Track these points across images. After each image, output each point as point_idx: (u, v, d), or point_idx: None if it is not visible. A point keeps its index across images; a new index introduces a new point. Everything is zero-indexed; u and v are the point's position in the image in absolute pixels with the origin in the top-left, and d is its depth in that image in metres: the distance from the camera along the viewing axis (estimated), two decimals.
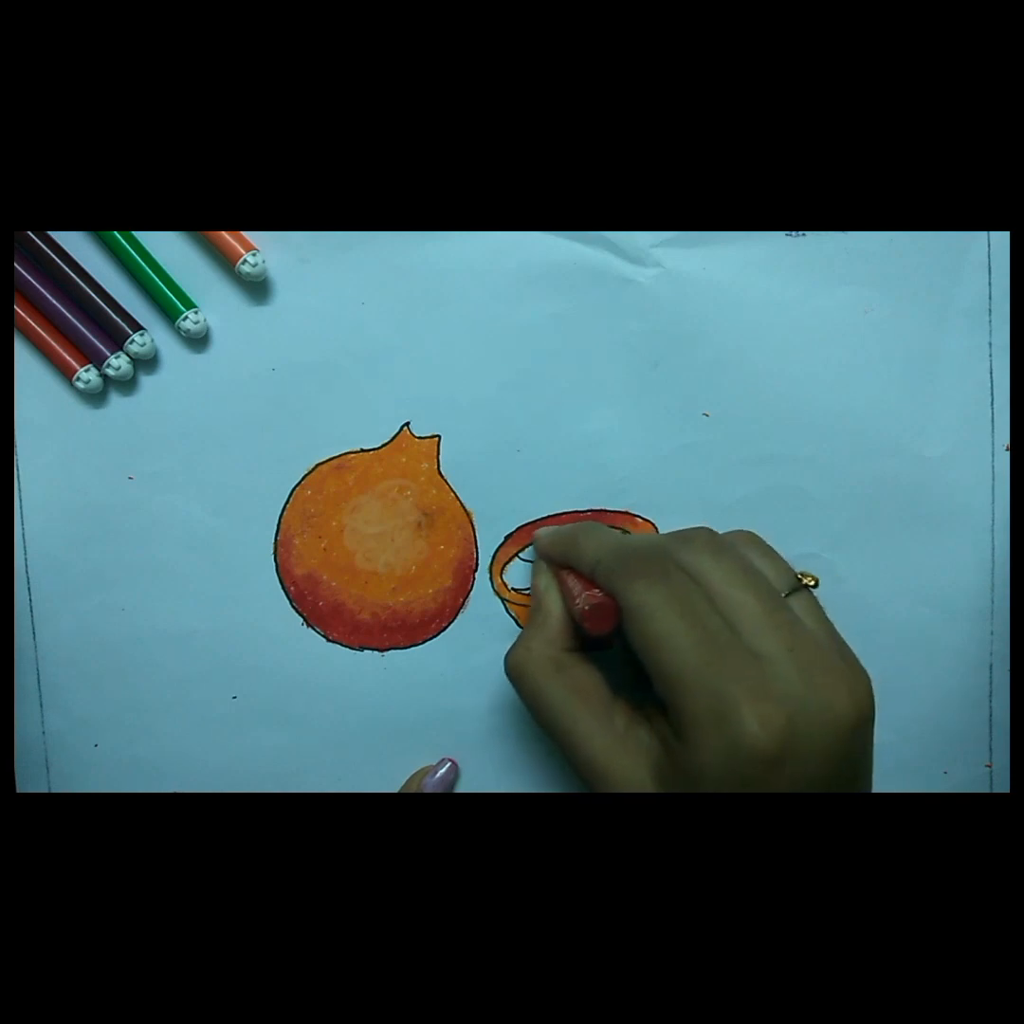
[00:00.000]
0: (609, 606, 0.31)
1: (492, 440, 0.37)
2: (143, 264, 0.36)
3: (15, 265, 0.36)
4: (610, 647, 0.34)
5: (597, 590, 0.32)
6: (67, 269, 0.36)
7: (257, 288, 0.37)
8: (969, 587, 0.38)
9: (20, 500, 0.38)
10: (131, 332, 0.36)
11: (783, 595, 0.30)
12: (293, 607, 0.38)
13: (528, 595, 0.38)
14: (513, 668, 0.33)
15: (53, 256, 0.36)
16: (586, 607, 0.31)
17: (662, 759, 0.29)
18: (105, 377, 0.37)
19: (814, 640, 0.29)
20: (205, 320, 0.36)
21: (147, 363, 0.37)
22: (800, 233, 0.36)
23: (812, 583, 0.31)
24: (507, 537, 0.38)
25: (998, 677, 0.38)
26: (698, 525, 0.32)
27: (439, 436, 0.38)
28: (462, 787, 0.39)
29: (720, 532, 0.32)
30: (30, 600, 0.38)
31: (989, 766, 0.38)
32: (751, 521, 0.33)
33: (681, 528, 0.33)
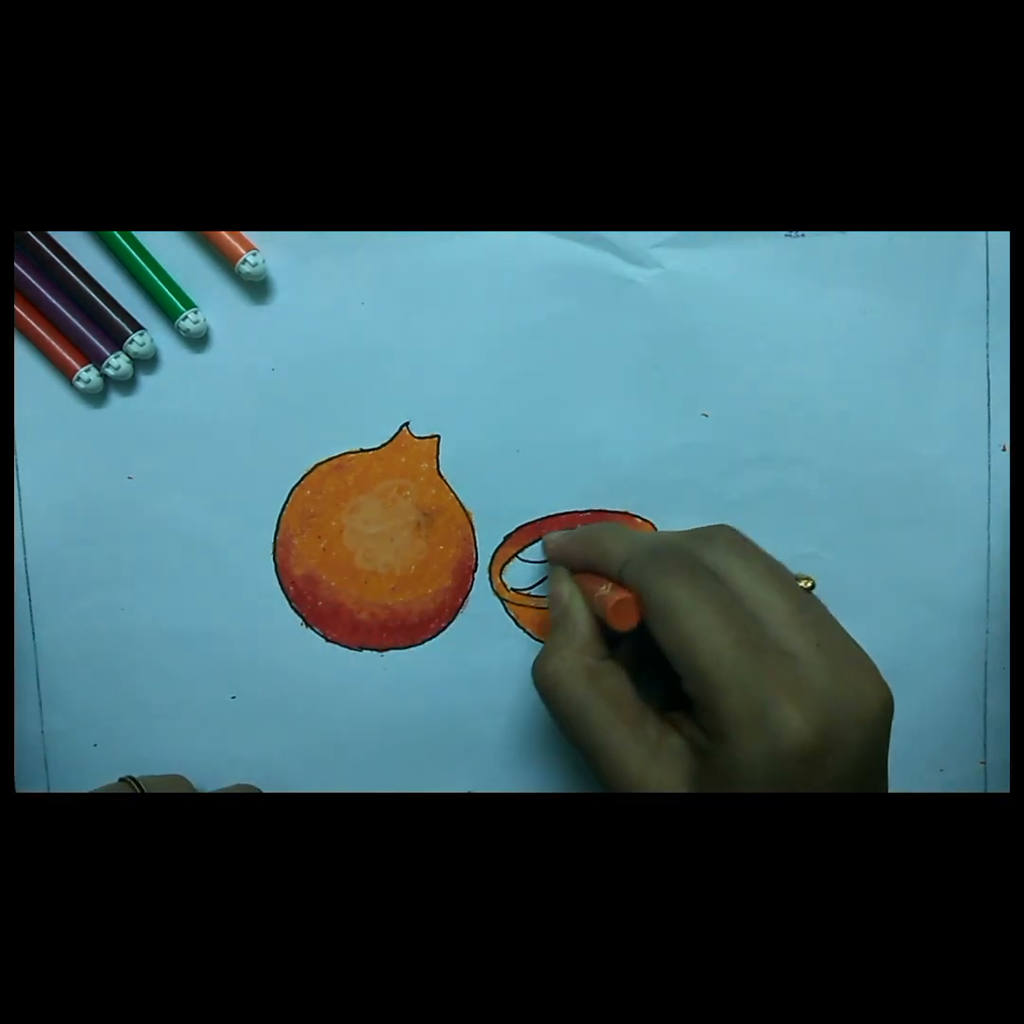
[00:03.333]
0: (633, 601, 0.30)
1: (492, 440, 0.37)
2: (143, 264, 0.36)
3: (15, 265, 0.36)
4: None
5: (608, 587, 0.31)
6: (67, 269, 0.36)
7: (257, 288, 0.37)
8: (965, 586, 0.38)
9: (20, 500, 0.38)
10: (131, 332, 0.36)
11: None
12: (292, 607, 0.38)
13: (528, 595, 0.38)
14: (547, 679, 0.32)
15: (53, 256, 0.36)
16: (612, 602, 0.31)
17: (695, 765, 0.29)
18: (105, 377, 0.37)
19: (839, 636, 0.29)
20: (205, 320, 0.36)
21: (147, 363, 0.37)
22: (799, 233, 0.36)
23: (809, 585, 0.32)
24: (507, 537, 0.38)
25: (993, 676, 0.38)
26: (718, 524, 0.32)
27: (439, 436, 0.38)
28: (462, 787, 0.39)
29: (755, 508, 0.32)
30: (30, 600, 0.38)
31: (984, 764, 0.39)
32: (749, 520, 0.33)
33: (697, 526, 0.33)
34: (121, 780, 0.34)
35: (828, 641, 0.29)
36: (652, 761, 0.29)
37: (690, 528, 0.33)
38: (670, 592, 0.29)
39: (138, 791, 0.34)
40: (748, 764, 0.27)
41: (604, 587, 0.32)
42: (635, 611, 0.30)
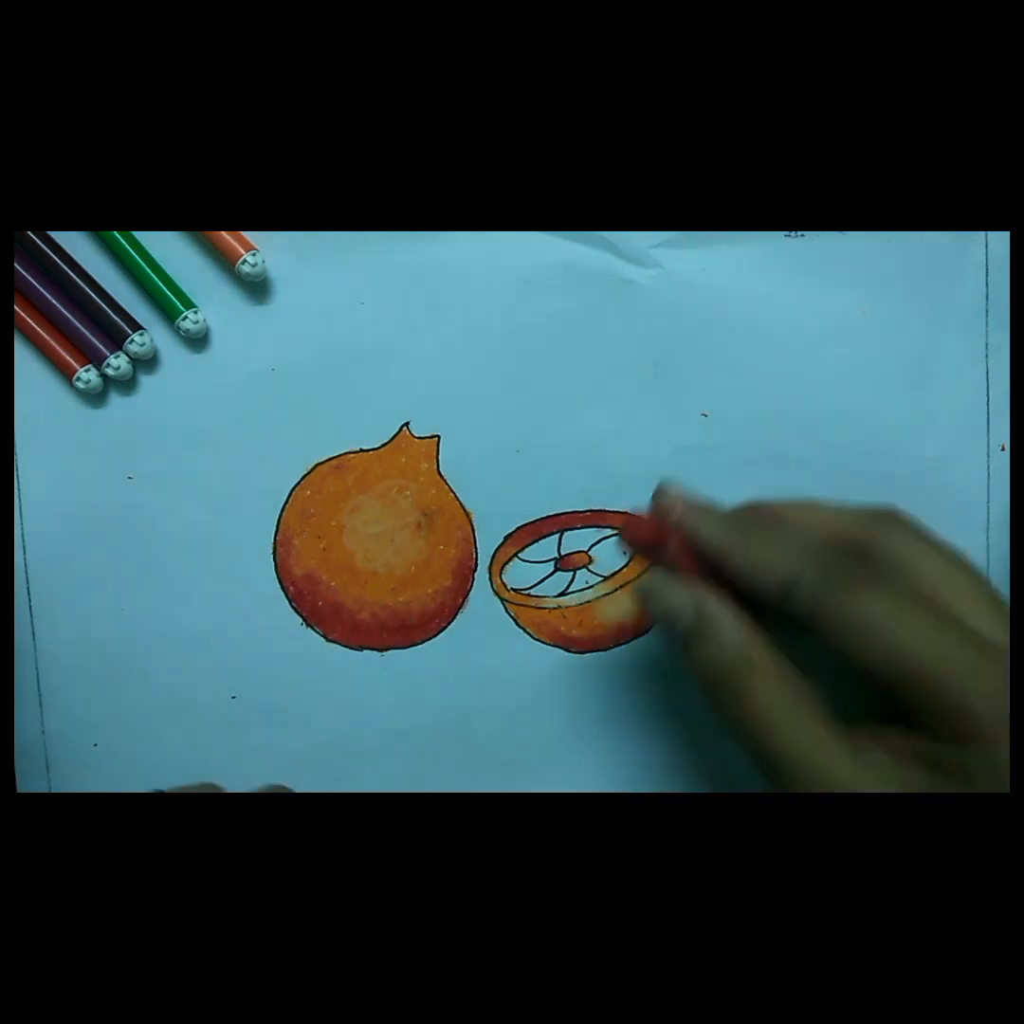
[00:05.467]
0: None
1: (492, 440, 0.37)
2: (143, 264, 0.36)
3: (15, 265, 0.36)
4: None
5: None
6: (67, 269, 0.36)
7: (257, 288, 0.37)
8: None
9: (20, 500, 0.38)
10: (131, 332, 0.36)
11: None
12: (292, 607, 0.38)
13: (528, 595, 0.38)
14: (714, 670, 0.28)
15: (53, 256, 0.36)
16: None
17: (907, 775, 0.27)
18: (105, 377, 0.37)
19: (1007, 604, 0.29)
20: (205, 320, 0.36)
21: (147, 363, 0.37)
22: (799, 233, 0.36)
23: None
24: (507, 537, 0.38)
25: None
26: (885, 506, 0.30)
27: (439, 436, 0.38)
28: (461, 787, 0.39)
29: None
30: (30, 600, 0.38)
31: None
32: None
33: (861, 504, 0.30)
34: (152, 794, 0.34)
35: (1005, 619, 0.28)
36: (861, 771, 0.27)
37: (852, 505, 0.31)
38: (865, 608, 0.27)
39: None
40: (1006, 761, 0.26)
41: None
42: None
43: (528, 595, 0.38)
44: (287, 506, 0.38)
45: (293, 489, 0.38)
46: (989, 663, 0.27)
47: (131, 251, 0.36)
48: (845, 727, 0.28)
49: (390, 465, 0.38)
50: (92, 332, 0.36)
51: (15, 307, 0.36)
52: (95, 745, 0.38)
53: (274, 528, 0.38)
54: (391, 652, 0.38)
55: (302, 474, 0.38)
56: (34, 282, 0.36)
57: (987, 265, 0.37)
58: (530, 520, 0.38)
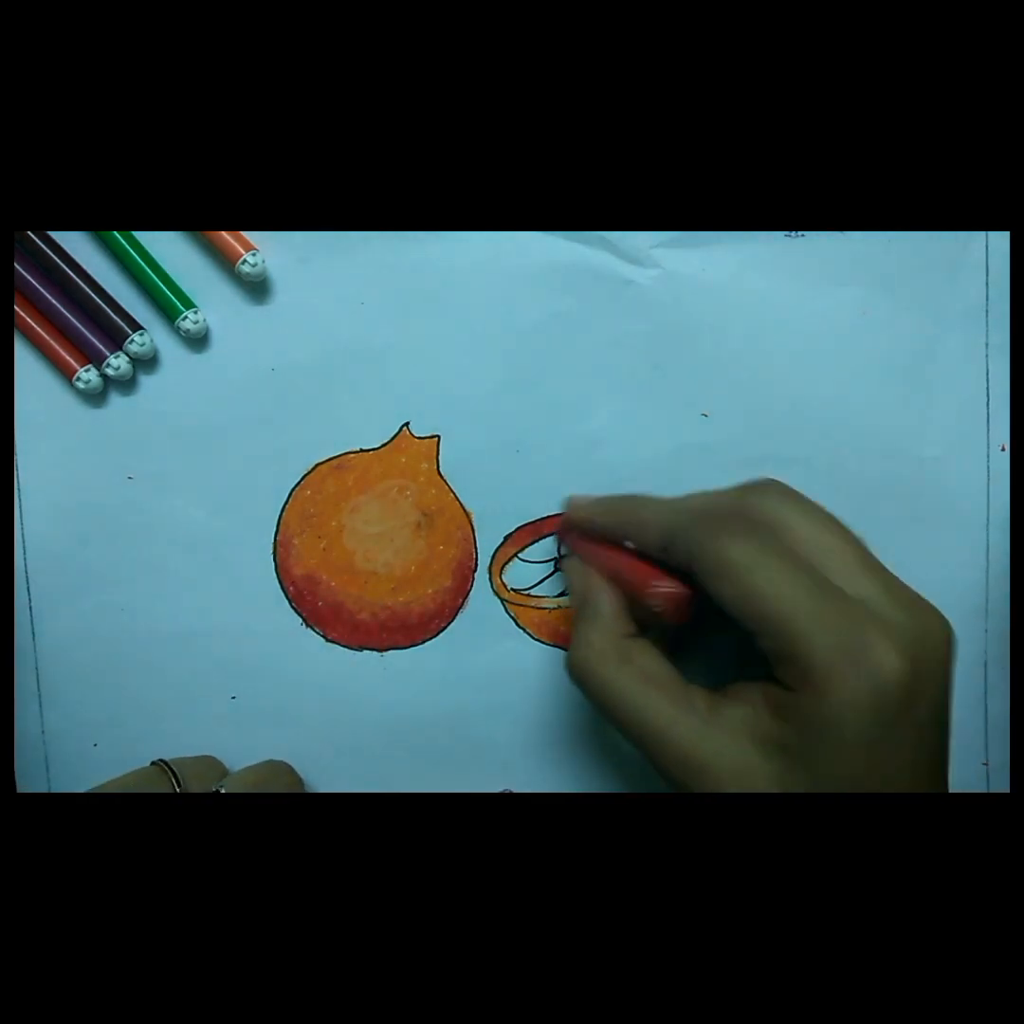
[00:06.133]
0: (683, 595, 0.30)
1: (492, 440, 0.37)
2: (143, 264, 0.36)
3: (15, 265, 0.36)
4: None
5: (662, 581, 0.30)
6: (67, 269, 0.36)
7: (257, 288, 0.37)
8: (965, 586, 0.38)
9: (20, 500, 0.38)
10: (131, 332, 0.36)
11: None
12: (292, 607, 0.38)
13: (527, 595, 0.38)
14: (577, 668, 0.31)
15: (53, 256, 0.36)
16: (663, 595, 0.30)
17: (765, 725, 0.28)
18: (105, 377, 0.37)
19: (898, 579, 0.29)
20: (205, 320, 0.36)
21: (147, 363, 0.37)
22: (799, 233, 0.36)
23: None
24: (507, 537, 0.38)
25: (994, 676, 0.38)
26: (765, 477, 0.32)
27: (439, 436, 0.38)
28: (461, 787, 0.39)
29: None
30: (30, 600, 0.38)
31: (986, 764, 0.39)
32: None
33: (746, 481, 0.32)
34: (153, 763, 0.34)
35: (893, 583, 0.28)
36: (706, 730, 0.28)
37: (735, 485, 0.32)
38: (728, 553, 0.28)
39: (170, 773, 0.33)
40: (848, 706, 0.26)
41: (656, 582, 0.30)
42: (686, 604, 0.30)
43: (528, 595, 0.38)
44: (287, 506, 0.38)
45: (293, 489, 0.38)
46: (838, 615, 0.27)
47: (131, 251, 0.36)
48: (709, 690, 0.30)
49: (390, 465, 0.38)
50: (92, 332, 0.36)
51: (15, 307, 0.36)
52: (95, 745, 0.38)
53: (274, 528, 0.38)
54: (391, 652, 0.38)
55: (302, 474, 0.38)
56: (34, 282, 0.36)
57: (987, 265, 0.37)
58: (530, 520, 0.38)
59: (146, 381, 0.37)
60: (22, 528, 0.38)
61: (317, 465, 0.38)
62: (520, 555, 0.38)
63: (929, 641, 0.28)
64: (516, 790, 0.39)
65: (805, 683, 0.27)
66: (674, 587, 0.30)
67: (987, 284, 0.37)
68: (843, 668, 0.26)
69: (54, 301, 0.36)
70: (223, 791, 0.33)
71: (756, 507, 0.30)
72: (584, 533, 0.34)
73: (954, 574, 0.38)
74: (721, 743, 0.28)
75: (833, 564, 0.28)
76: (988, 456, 0.37)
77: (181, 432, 0.37)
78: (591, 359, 0.37)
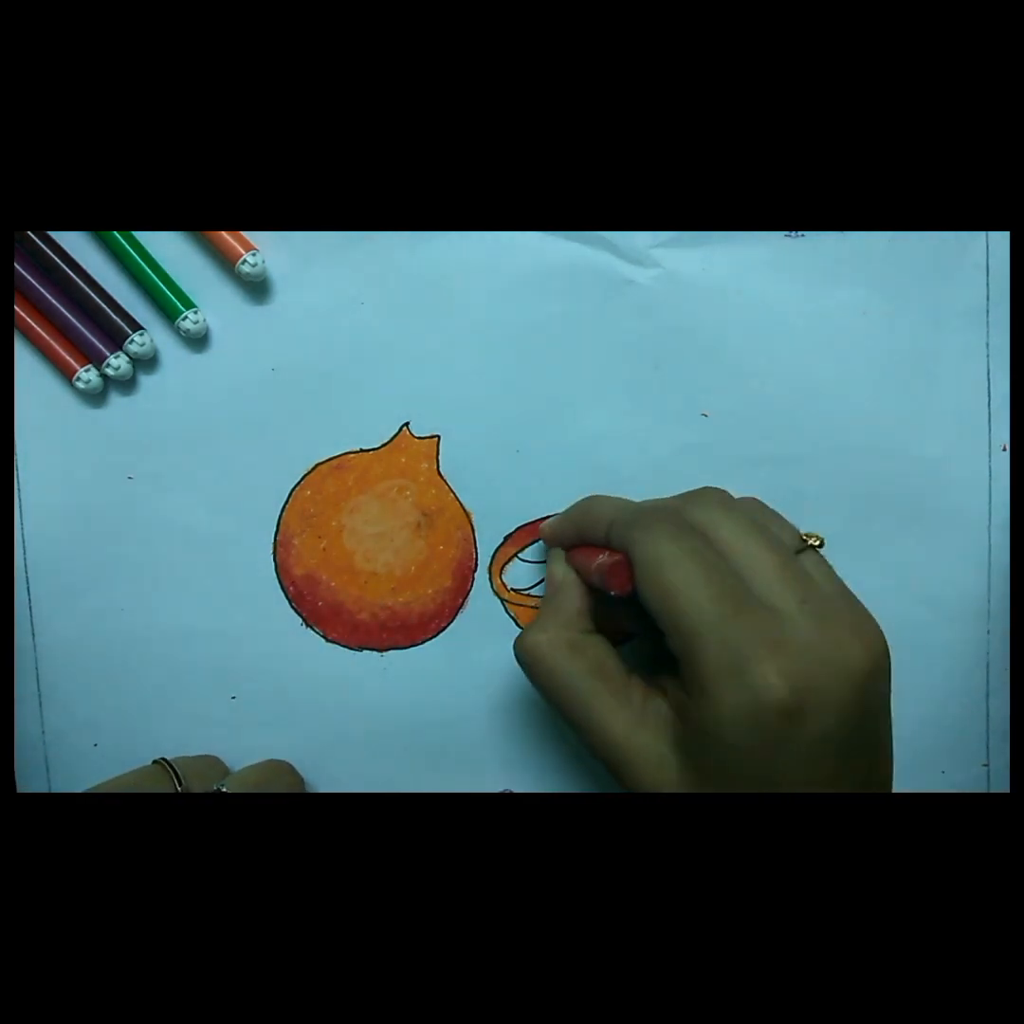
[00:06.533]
0: (624, 562, 0.30)
1: (492, 440, 0.37)
2: (143, 264, 0.36)
3: (15, 265, 0.36)
4: (628, 638, 0.34)
5: (603, 554, 0.32)
6: (67, 269, 0.36)
7: (257, 288, 0.37)
8: (966, 587, 0.38)
9: (20, 500, 0.38)
10: (131, 332, 0.36)
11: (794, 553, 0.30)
12: (292, 607, 0.38)
13: (527, 595, 0.38)
14: (527, 651, 0.32)
15: (53, 256, 0.36)
16: (605, 566, 0.31)
17: (678, 725, 0.29)
18: (105, 377, 0.37)
19: (825, 593, 0.29)
20: (205, 320, 0.36)
21: (147, 363, 0.37)
22: (799, 233, 0.36)
23: (817, 543, 0.31)
24: (506, 537, 0.38)
25: (995, 677, 0.38)
26: (707, 486, 0.32)
27: (439, 436, 0.38)
28: (461, 787, 0.39)
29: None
30: (30, 600, 0.38)
31: (986, 766, 0.39)
32: None
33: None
34: (155, 762, 0.34)
35: (814, 597, 0.28)
36: (637, 726, 0.29)
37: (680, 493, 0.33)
38: (653, 547, 0.29)
39: (172, 772, 0.34)
40: (727, 719, 0.27)
41: (601, 556, 0.32)
42: (627, 572, 0.30)
43: (528, 595, 0.38)
44: (287, 506, 0.38)
45: (293, 489, 0.38)
46: (737, 625, 0.27)
47: (131, 251, 0.36)
48: (646, 682, 0.31)
49: (390, 465, 0.38)
50: (92, 332, 0.36)
51: (15, 307, 0.36)
52: (95, 745, 0.38)
53: (274, 528, 0.38)
54: (391, 652, 0.38)
55: (302, 474, 0.38)
56: (34, 282, 0.36)
57: (987, 265, 0.37)
58: (530, 520, 0.38)
59: (146, 381, 0.37)
60: (22, 528, 0.38)
61: (317, 465, 0.38)
62: (520, 555, 0.38)
63: (833, 666, 0.27)
64: (516, 790, 0.39)
65: (694, 688, 0.28)
66: (612, 557, 0.31)
67: (987, 284, 0.37)
68: (724, 681, 0.27)
69: (54, 301, 0.36)
70: (224, 790, 0.33)
71: (689, 511, 0.30)
72: (555, 544, 0.35)
73: (955, 575, 0.38)
74: (647, 739, 0.29)
75: (755, 573, 0.28)
76: (989, 456, 0.37)
77: (181, 432, 0.37)
78: (591, 359, 0.37)
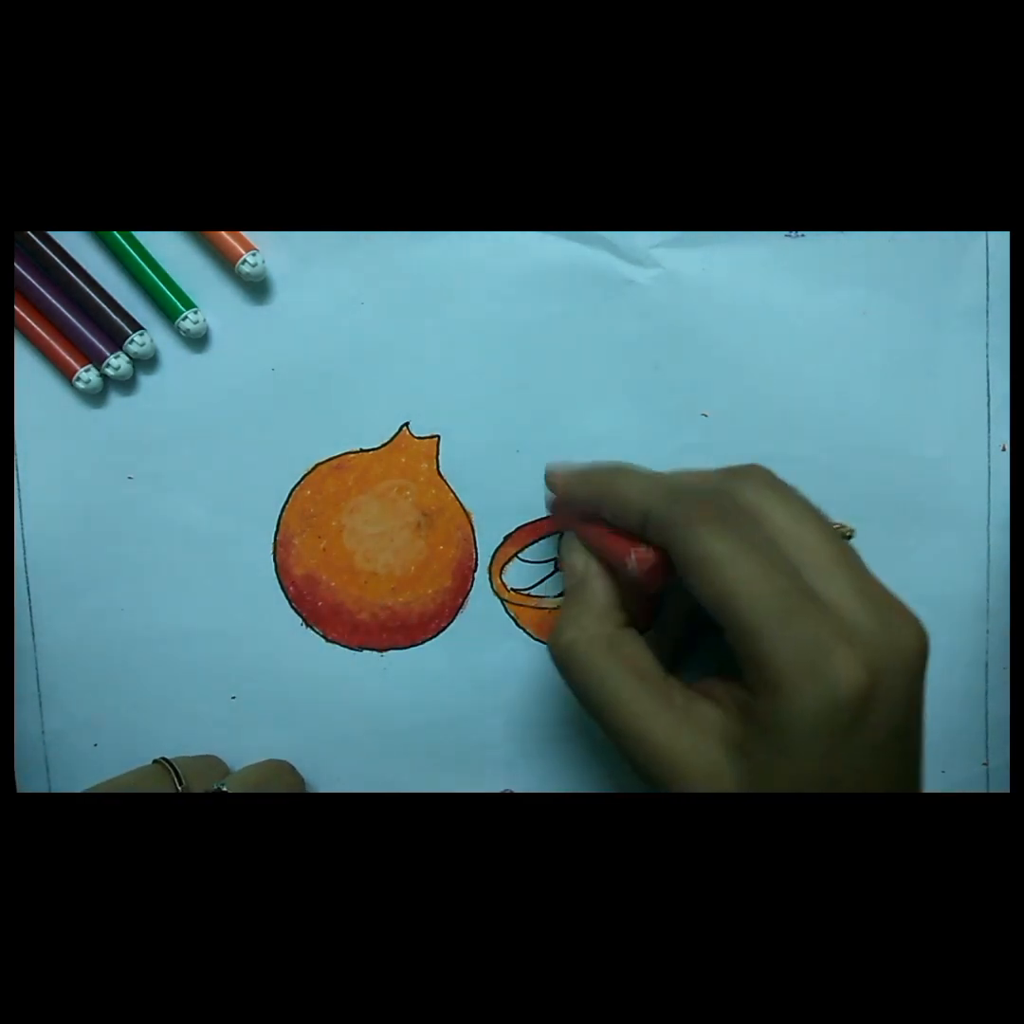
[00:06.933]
0: (662, 561, 0.29)
1: (492, 440, 0.37)
2: (143, 264, 0.36)
3: (15, 265, 0.36)
4: (649, 627, 0.33)
5: (641, 546, 0.30)
6: (67, 269, 0.36)
7: (257, 288, 0.37)
8: (966, 587, 0.38)
9: (20, 500, 0.38)
10: (131, 332, 0.36)
11: None
12: (292, 607, 0.38)
13: (528, 595, 0.38)
14: (565, 650, 0.30)
15: (53, 256, 0.36)
16: (645, 564, 0.29)
17: (732, 727, 0.28)
18: (105, 377, 0.37)
19: (876, 582, 0.28)
20: (205, 320, 0.36)
21: (147, 363, 0.37)
22: (799, 234, 0.36)
23: (849, 534, 0.31)
24: (507, 537, 0.38)
25: (995, 676, 0.38)
26: (751, 463, 0.30)
27: (439, 436, 0.38)
28: (461, 787, 0.39)
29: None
30: (30, 600, 0.38)
31: (986, 765, 0.39)
32: None
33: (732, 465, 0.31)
34: (155, 761, 0.34)
35: (868, 586, 0.28)
36: (681, 728, 0.28)
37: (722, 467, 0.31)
38: (703, 544, 0.27)
39: (172, 771, 0.34)
40: (805, 714, 0.26)
41: (634, 551, 0.30)
42: (666, 569, 0.29)
43: (528, 595, 0.38)
44: (287, 506, 0.38)
45: (293, 489, 0.38)
46: (804, 620, 0.26)
47: (131, 251, 0.36)
48: (686, 685, 0.30)
49: (390, 465, 0.38)
50: (92, 332, 0.36)
51: (15, 307, 0.36)
52: (95, 745, 0.38)
53: (274, 528, 0.38)
54: (391, 652, 0.38)
55: (302, 474, 0.38)
56: (34, 282, 0.36)
57: (987, 265, 0.37)
58: (530, 520, 0.38)
59: (146, 381, 0.37)
60: (22, 528, 0.38)
61: (317, 465, 0.38)
62: (520, 555, 0.38)
63: (897, 652, 0.27)
64: (516, 790, 0.39)
65: (764, 687, 0.26)
66: (649, 554, 0.29)
67: (987, 284, 0.37)
68: (801, 676, 0.26)
69: (54, 301, 0.36)
70: (225, 790, 0.33)
71: (737, 494, 0.29)
72: (567, 506, 0.33)
73: (955, 575, 0.38)
74: (692, 742, 0.28)
75: (810, 561, 0.27)
76: (989, 456, 0.37)
77: (181, 432, 0.37)
78: (591, 359, 0.37)
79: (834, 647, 0.26)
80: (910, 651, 0.27)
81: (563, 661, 0.30)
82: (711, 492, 0.29)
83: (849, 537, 0.31)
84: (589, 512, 0.32)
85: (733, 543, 0.27)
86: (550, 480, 0.34)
